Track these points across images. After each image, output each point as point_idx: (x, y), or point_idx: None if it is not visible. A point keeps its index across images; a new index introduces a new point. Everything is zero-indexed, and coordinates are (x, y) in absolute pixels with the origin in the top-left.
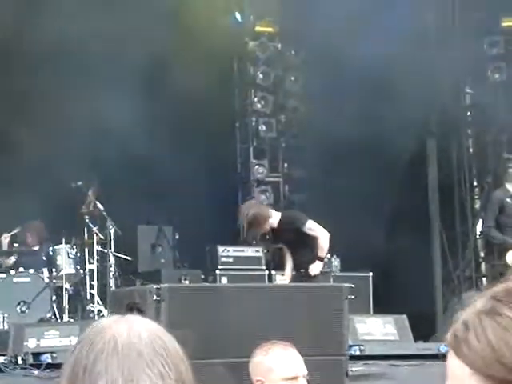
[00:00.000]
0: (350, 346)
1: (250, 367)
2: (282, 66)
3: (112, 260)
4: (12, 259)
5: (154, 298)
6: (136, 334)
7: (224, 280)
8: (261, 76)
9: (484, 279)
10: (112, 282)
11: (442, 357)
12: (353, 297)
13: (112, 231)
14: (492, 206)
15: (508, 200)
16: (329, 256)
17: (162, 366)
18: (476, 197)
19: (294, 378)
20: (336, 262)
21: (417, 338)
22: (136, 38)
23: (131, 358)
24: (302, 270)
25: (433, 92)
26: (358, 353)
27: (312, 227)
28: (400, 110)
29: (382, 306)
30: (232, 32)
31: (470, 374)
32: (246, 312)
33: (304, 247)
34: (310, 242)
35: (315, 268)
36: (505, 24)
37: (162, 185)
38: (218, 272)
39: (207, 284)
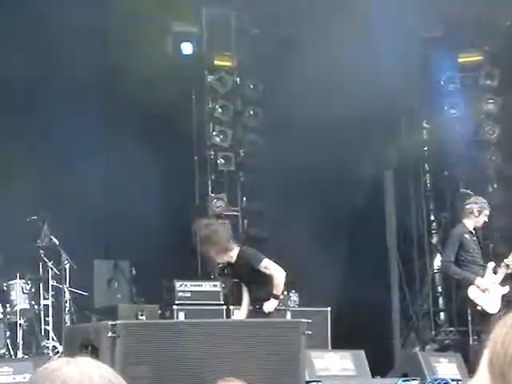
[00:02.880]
0: (308, 382)
1: None
2: (240, 99)
3: (67, 295)
4: None
5: (109, 334)
6: (87, 377)
7: (181, 315)
8: (220, 110)
9: (442, 314)
10: (67, 317)
11: None
12: (310, 332)
13: (67, 266)
14: (451, 242)
15: (466, 236)
16: (285, 293)
17: None
18: (433, 231)
19: None
20: (294, 296)
21: (375, 374)
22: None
23: None
24: (257, 307)
25: (391, 126)
26: None
27: (267, 266)
28: (358, 143)
29: (339, 341)
30: (190, 65)
31: None
32: (202, 348)
33: (259, 284)
34: (266, 279)
35: (270, 305)
36: (461, 60)
37: (119, 219)
38: (175, 307)
39: (162, 320)
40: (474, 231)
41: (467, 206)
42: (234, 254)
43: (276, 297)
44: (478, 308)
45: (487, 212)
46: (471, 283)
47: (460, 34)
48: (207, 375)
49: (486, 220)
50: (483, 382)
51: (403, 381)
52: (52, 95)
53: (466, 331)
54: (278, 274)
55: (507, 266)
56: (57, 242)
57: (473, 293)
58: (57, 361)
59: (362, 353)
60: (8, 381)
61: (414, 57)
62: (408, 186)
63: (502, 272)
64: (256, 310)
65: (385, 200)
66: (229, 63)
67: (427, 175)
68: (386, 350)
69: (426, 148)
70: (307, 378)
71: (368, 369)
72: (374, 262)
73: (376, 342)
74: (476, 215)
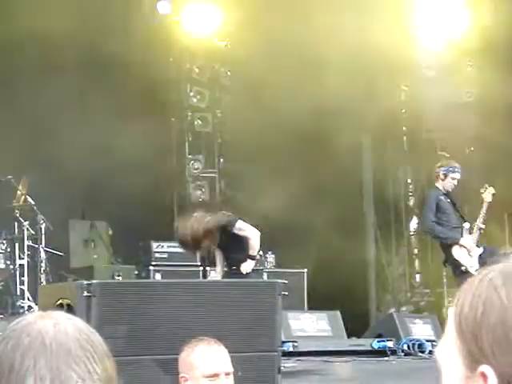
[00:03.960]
0: (283, 342)
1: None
2: (219, 60)
3: (43, 255)
4: None
5: (85, 293)
6: (62, 329)
7: (158, 276)
8: (197, 70)
9: (418, 276)
10: (43, 277)
11: (374, 353)
12: (286, 293)
13: (43, 226)
14: (429, 204)
15: (441, 197)
16: (261, 253)
17: (89, 362)
18: (410, 194)
19: (215, 375)
20: (271, 258)
21: (350, 335)
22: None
23: (59, 355)
24: (233, 268)
25: (369, 88)
26: (291, 349)
27: (242, 227)
28: (336, 104)
29: (316, 303)
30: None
31: None
32: (178, 309)
33: (235, 247)
34: (241, 241)
35: (247, 266)
36: None
37: (95, 179)
38: (151, 268)
39: (138, 280)
40: (446, 194)
41: (436, 170)
42: (205, 221)
43: (252, 257)
44: (462, 268)
45: (455, 175)
46: (456, 243)
47: None
48: (183, 335)
49: (455, 184)
50: (452, 345)
51: (378, 341)
52: (28, 59)
53: (441, 293)
54: (252, 235)
55: (480, 227)
56: (32, 202)
57: (457, 253)
58: (30, 315)
59: (338, 313)
60: None
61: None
62: (385, 149)
63: (476, 232)
64: (233, 271)
65: (362, 162)
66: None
67: (404, 138)
68: (362, 312)
69: (403, 110)
70: (283, 339)
71: (344, 329)
72: (350, 225)
73: (352, 303)
74: (442, 178)
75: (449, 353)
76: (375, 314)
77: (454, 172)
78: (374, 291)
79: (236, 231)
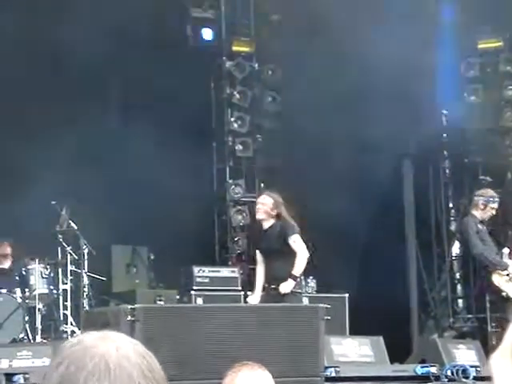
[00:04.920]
0: (326, 367)
1: None
2: (259, 85)
3: (86, 280)
4: None
5: (129, 318)
6: (125, 354)
7: (199, 301)
8: (237, 96)
9: (460, 301)
10: (86, 302)
11: (417, 378)
12: (329, 317)
13: (86, 251)
14: (471, 231)
15: (479, 226)
16: (303, 277)
17: None
18: (452, 218)
19: None
20: (312, 283)
21: (393, 360)
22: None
23: (122, 380)
24: (272, 286)
25: (411, 113)
26: (333, 374)
27: (297, 241)
28: (377, 130)
29: (357, 328)
30: (207, 51)
31: None
32: (221, 332)
33: (282, 260)
34: (289, 256)
35: (287, 286)
36: (481, 46)
37: (138, 205)
38: (193, 292)
39: (181, 304)
40: (482, 222)
41: (474, 198)
42: (269, 222)
43: (295, 277)
44: (503, 294)
45: (494, 205)
46: (505, 268)
47: (479, 20)
48: (226, 360)
49: (493, 213)
50: (506, 357)
51: (421, 367)
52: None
53: (484, 318)
54: (302, 253)
55: None
56: (75, 227)
57: (497, 279)
58: (89, 336)
59: (381, 339)
60: (27, 364)
61: (433, 42)
62: (427, 173)
63: None
64: (271, 290)
65: (403, 187)
66: (247, 48)
67: (446, 162)
68: (404, 337)
69: (445, 135)
70: (325, 364)
71: (386, 355)
72: (392, 249)
73: (394, 329)
74: (481, 208)
75: (502, 362)
76: (417, 339)
77: (494, 202)
78: (416, 317)
79: (291, 242)
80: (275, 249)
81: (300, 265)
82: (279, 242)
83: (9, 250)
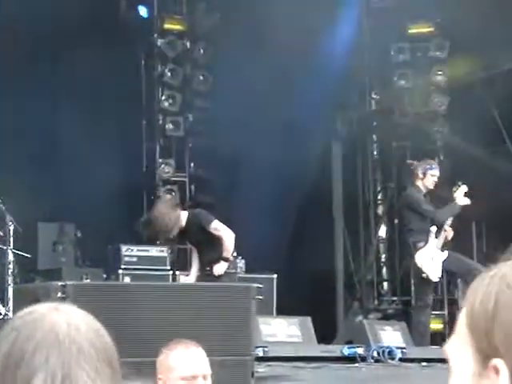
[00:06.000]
0: (255, 347)
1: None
2: (190, 64)
3: (11, 257)
4: None
5: (59, 295)
6: (75, 326)
7: (127, 279)
8: (169, 74)
9: (385, 283)
10: (10, 279)
11: (344, 359)
12: (261, 297)
13: (11, 227)
14: (420, 200)
15: (423, 198)
16: (235, 254)
17: (98, 361)
18: (379, 201)
19: (193, 378)
20: (241, 263)
21: (320, 341)
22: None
23: (71, 352)
24: (207, 269)
25: (340, 96)
26: (261, 354)
27: (217, 227)
28: (306, 112)
29: (284, 309)
30: (139, 27)
31: None
32: (153, 311)
33: (209, 247)
34: (215, 242)
35: (220, 268)
36: (411, 31)
37: (65, 181)
38: (120, 271)
39: (114, 282)
40: (425, 195)
41: (413, 170)
42: (183, 218)
43: (226, 259)
44: (423, 275)
45: (433, 172)
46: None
47: (410, 5)
48: (158, 338)
49: (435, 181)
50: (463, 342)
51: (348, 348)
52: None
53: (408, 301)
54: (227, 236)
55: (446, 231)
56: (1, 203)
57: (420, 260)
58: (40, 306)
59: (309, 319)
60: None
61: (363, 27)
62: (355, 157)
63: (442, 237)
64: (206, 274)
65: (332, 170)
66: (179, 27)
67: (375, 146)
68: (330, 319)
69: (374, 119)
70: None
71: (314, 335)
72: (319, 231)
73: (319, 310)
74: (421, 177)
75: (460, 349)
76: (343, 321)
77: (432, 169)
78: (341, 298)
79: (211, 230)
80: (201, 240)
81: (229, 246)
82: (201, 233)
83: None
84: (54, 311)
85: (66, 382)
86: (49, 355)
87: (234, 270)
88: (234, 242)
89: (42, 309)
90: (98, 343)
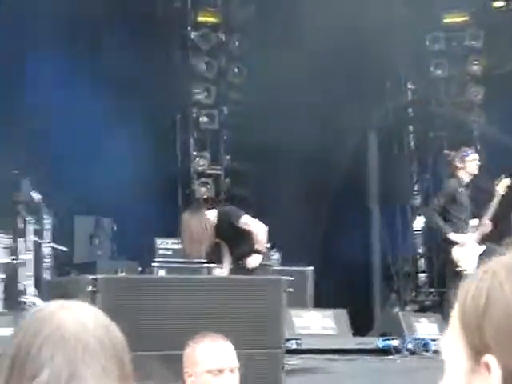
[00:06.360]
0: (287, 339)
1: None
2: (225, 56)
3: (47, 251)
4: None
5: (90, 288)
6: (82, 324)
7: (162, 273)
8: (203, 67)
9: (422, 275)
10: (47, 273)
11: (379, 351)
12: (291, 290)
13: (48, 221)
14: (442, 193)
15: (460, 189)
16: (268, 246)
17: (105, 360)
18: (415, 192)
19: (220, 371)
20: (276, 255)
21: (356, 333)
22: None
23: (77, 350)
24: (240, 262)
25: (376, 86)
26: (294, 346)
27: (247, 222)
28: (342, 103)
29: (320, 301)
30: (174, 20)
31: None
32: (183, 305)
33: (240, 241)
34: (246, 235)
35: (253, 261)
36: (446, 20)
37: (101, 175)
38: (155, 264)
39: (144, 276)
40: (467, 186)
41: (451, 162)
42: (211, 216)
43: (258, 252)
44: (458, 269)
45: (471, 158)
46: (445, 235)
47: None
48: (187, 331)
49: (477, 164)
50: (455, 338)
51: (383, 340)
52: None
53: (445, 293)
54: (258, 230)
55: (484, 224)
56: (38, 197)
57: (456, 253)
58: (49, 304)
59: (344, 312)
60: None
61: (399, 17)
62: (391, 147)
63: (480, 231)
64: (239, 267)
65: (368, 160)
66: (213, 19)
67: (411, 136)
68: (366, 311)
69: (410, 109)
70: (287, 336)
71: (349, 328)
72: (356, 223)
73: (356, 302)
74: (460, 166)
75: (452, 345)
76: (380, 313)
77: (468, 155)
78: (378, 290)
79: (242, 225)
80: (232, 235)
81: (260, 239)
82: (231, 229)
83: None
84: (63, 309)
85: (71, 380)
86: (54, 352)
87: (268, 263)
88: (265, 234)
89: (52, 306)
90: (106, 341)
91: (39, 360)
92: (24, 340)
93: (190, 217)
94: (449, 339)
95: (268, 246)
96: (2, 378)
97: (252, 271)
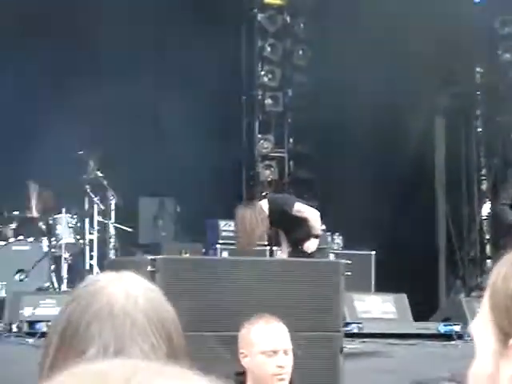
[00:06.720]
0: (348, 323)
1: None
2: (290, 39)
3: (112, 231)
4: (12, 227)
5: (149, 268)
6: (133, 300)
7: (225, 254)
8: (269, 49)
9: (488, 261)
10: (112, 252)
11: (440, 336)
12: (349, 273)
13: (113, 202)
14: (509, 185)
15: None
16: (323, 230)
17: (154, 337)
18: (483, 178)
19: (274, 352)
20: (339, 239)
21: (418, 319)
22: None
23: (125, 326)
24: (298, 247)
25: (443, 70)
26: (355, 330)
27: (300, 209)
28: (410, 87)
29: (384, 286)
30: (240, 2)
31: None
32: (241, 286)
33: (297, 227)
34: (300, 221)
35: (311, 245)
36: None
37: (165, 156)
38: (218, 246)
39: (202, 257)
40: None
41: None
42: (264, 207)
43: (315, 236)
44: None
45: None
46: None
47: None
48: (244, 313)
49: None
50: (485, 322)
51: (444, 325)
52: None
53: None
54: (311, 215)
55: None
56: (103, 178)
57: None
58: (103, 276)
59: (405, 296)
60: (50, 313)
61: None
62: (459, 132)
63: None
64: (297, 251)
65: (435, 145)
66: (279, 1)
67: (479, 120)
68: (432, 297)
69: (478, 93)
70: (348, 320)
71: (410, 312)
72: (421, 208)
73: (420, 288)
74: None
75: (482, 328)
76: (444, 298)
77: None
78: (443, 276)
79: (295, 213)
80: (286, 223)
81: (315, 225)
82: (285, 217)
83: (44, 201)
84: (114, 282)
85: (119, 356)
86: (102, 329)
87: (325, 246)
88: (319, 219)
89: (103, 279)
90: (155, 317)
91: (88, 336)
92: (73, 315)
93: (243, 210)
94: (479, 321)
95: (324, 228)
96: (51, 353)
97: (310, 255)
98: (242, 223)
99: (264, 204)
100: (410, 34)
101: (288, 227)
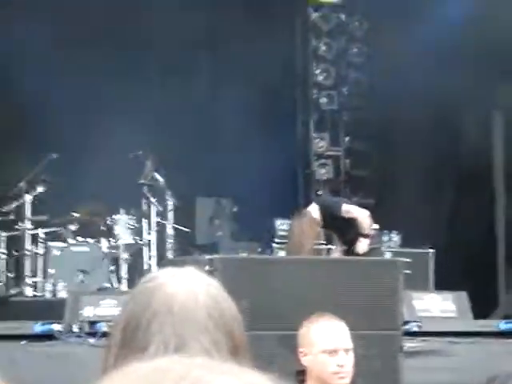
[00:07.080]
0: (407, 322)
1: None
2: (345, 37)
3: (170, 231)
4: (71, 228)
5: (207, 268)
6: (193, 295)
7: (281, 253)
8: (323, 48)
9: None
10: (170, 253)
11: (500, 334)
12: (408, 271)
13: (170, 202)
14: None
15: None
16: (375, 229)
17: (215, 333)
18: None
19: (335, 352)
20: (396, 238)
21: (478, 317)
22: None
23: (186, 322)
24: (351, 248)
25: (502, 65)
26: (415, 329)
27: (349, 210)
28: (466, 81)
29: (442, 284)
30: (295, 1)
31: None
32: (299, 285)
33: (347, 228)
34: (352, 222)
35: (361, 245)
36: None
37: (222, 156)
38: (274, 245)
39: (260, 256)
40: None
41: None
42: (314, 212)
43: (365, 236)
44: None
45: None
46: None
47: None
48: (303, 312)
49: None
50: None
51: (505, 323)
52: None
53: None
54: (360, 215)
55: None
56: (160, 179)
57: None
58: (163, 271)
59: (464, 294)
60: (110, 313)
61: None
62: None
63: None
64: (350, 251)
65: (493, 141)
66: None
67: None
68: (490, 294)
69: None
70: (407, 318)
71: (470, 310)
72: (480, 206)
73: (479, 285)
74: None
75: None
76: (504, 296)
77: None
78: (503, 274)
79: (344, 215)
80: (337, 225)
81: (364, 224)
82: (334, 219)
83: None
84: (175, 279)
85: (179, 353)
86: (163, 326)
87: (378, 245)
88: (369, 218)
89: (164, 276)
90: (216, 314)
91: (149, 333)
92: (134, 312)
93: (293, 221)
94: None
95: (376, 228)
96: (113, 351)
97: (363, 255)
98: (291, 237)
99: (314, 209)
100: (468, 24)
101: (339, 229)
